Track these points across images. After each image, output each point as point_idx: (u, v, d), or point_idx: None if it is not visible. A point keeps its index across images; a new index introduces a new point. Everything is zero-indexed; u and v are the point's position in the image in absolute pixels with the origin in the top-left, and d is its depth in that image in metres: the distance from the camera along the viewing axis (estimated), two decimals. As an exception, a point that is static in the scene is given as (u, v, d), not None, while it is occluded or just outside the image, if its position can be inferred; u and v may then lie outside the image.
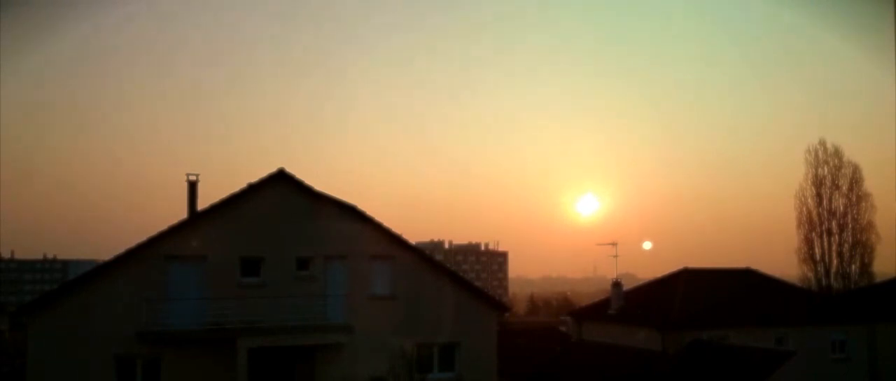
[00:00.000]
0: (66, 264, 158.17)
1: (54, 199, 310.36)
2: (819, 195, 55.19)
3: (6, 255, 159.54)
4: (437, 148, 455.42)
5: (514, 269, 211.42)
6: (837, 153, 55.77)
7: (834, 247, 54.59)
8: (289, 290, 23.42)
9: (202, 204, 24.62)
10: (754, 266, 39.29)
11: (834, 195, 54.96)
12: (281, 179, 24.06)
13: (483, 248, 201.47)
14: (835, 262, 54.45)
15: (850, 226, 54.51)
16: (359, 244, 24.33)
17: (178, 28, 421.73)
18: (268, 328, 22.54)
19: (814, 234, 54.88)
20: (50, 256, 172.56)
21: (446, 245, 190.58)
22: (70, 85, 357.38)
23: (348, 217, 24.34)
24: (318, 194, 24.18)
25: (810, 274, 54.73)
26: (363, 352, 23.26)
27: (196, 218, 24.01)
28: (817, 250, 54.74)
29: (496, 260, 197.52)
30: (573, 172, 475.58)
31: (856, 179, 55.03)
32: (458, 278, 26.92)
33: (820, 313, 35.80)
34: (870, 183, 55.48)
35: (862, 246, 54.32)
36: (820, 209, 54.97)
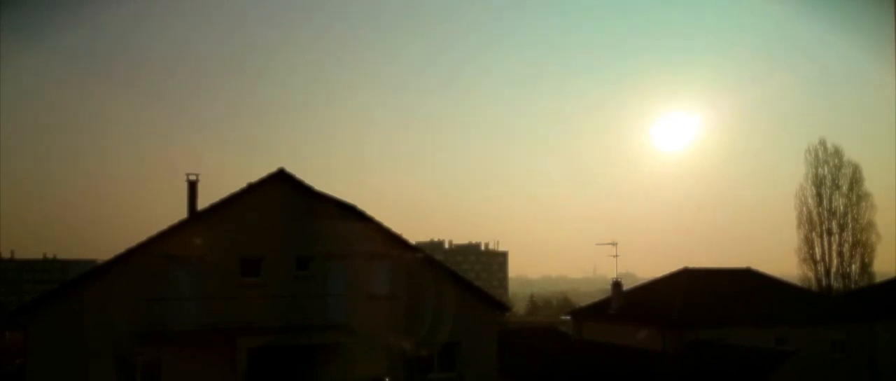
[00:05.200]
0: (65, 264, 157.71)
1: (54, 199, 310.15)
2: (819, 195, 55.20)
3: (6, 255, 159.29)
4: (437, 148, 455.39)
5: (514, 269, 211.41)
6: (837, 153, 55.80)
7: (834, 247, 54.61)
8: (289, 290, 23.41)
9: (202, 204, 24.64)
10: (754, 266, 39.35)
11: (834, 195, 54.97)
12: (281, 179, 24.05)
13: (483, 248, 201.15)
14: (835, 262, 54.45)
15: (850, 226, 54.52)
16: (359, 244, 24.31)
17: (179, 28, 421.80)
18: (268, 328, 22.53)
19: (814, 234, 54.90)
20: (50, 256, 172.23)
21: (446, 245, 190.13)
22: (70, 85, 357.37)
23: (348, 217, 24.32)
24: (318, 193, 24.18)
25: (810, 274, 54.75)
26: (363, 352, 23.23)
27: (196, 218, 23.99)
28: (817, 250, 54.75)
29: (496, 260, 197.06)
30: (574, 172, 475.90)
31: (856, 179, 55.05)
32: (458, 278, 26.90)
33: (820, 313, 35.79)
34: (870, 183, 55.51)
35: (862, 246, 54.33)
36: (820, 209, 54.98)
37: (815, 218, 54.80)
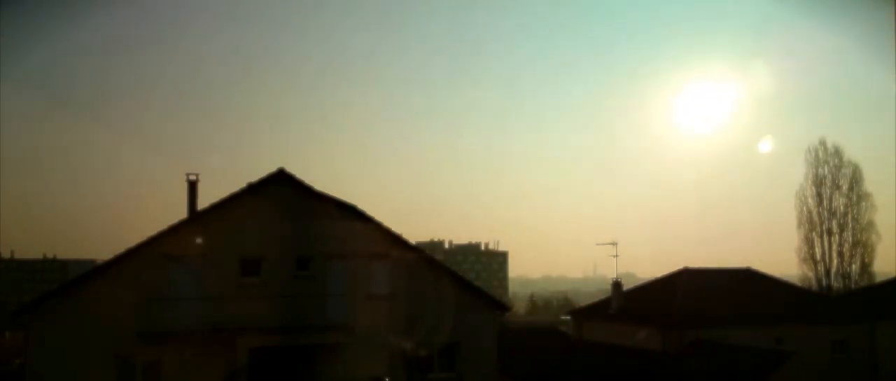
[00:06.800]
0: (65, 264, 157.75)
1: (54, 199, 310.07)
2: (819, 195, 55.13)
3: (6, 255, 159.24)
4: (437, 148, 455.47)
5: (514, 269, 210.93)
6: (837, 153, 55.73)
7: (834, 247, 54.53)
8: (289, 290, 23.41)
9: (202, 204, 24.65)
10: (754, 266, 39.35)
11: (834, 195, 54.90)
12: (281, 179, 24.05)
13: (483, 248, 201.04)
14: (835, 262, 54.38)
15: (850, 226, 54.45)
16: (359, 244, 24.31)
17: (179, 28, 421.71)
18: (268, 328, 22.52)
19: (814, 233, 54.83)
20: (50, 256, 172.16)
21: (446, 245, 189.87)
22: (70, 85, 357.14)
23: (348, 217, 24.32)
24: (318, 193, 24.18)
25: (810, 274, 54.68)
26: (363, 352, 23.24)
27: (196, 218, 24.00)
28: (817, 250, 54.69)
29: (496, 260, 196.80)
30: (574, 172, 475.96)
31: (856, 179, 54.98)
32: (458, 278, 26.91)
33: (820, 313, 35.78)
34: (870, 183, 55.45)
35: (862, 246, 54.26)
36: (820, 209, 54.91)
37: (815, 218, 54.79)
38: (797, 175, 56.30)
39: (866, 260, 54.02)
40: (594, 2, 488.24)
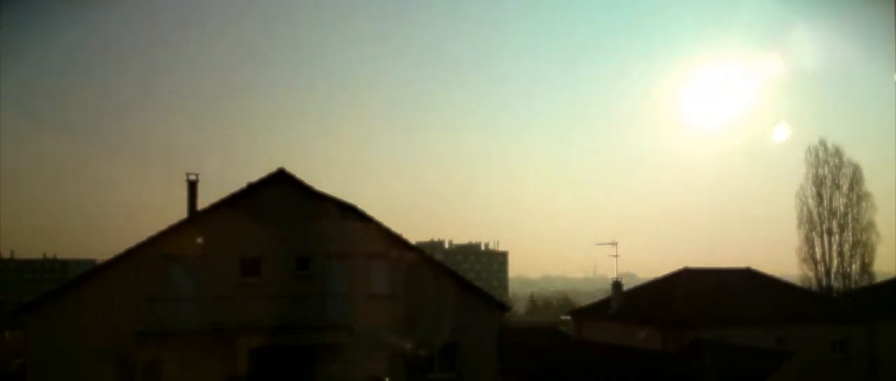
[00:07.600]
0: (65, 264, 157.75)
1: (54, 199, 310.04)
2: (819, 195, 55.09)
3: (6, 255, 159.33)
4: (438, 148, 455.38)
5: (514, 269, 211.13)
6: (837, 153, 55.67)
7: (834, 247, 54.49)
8: (289, 290, 23.42)
9: (202, 204, 24.66)
10: (754, 266, 39.35)
11: (834, 195, 54.86)
12: (281, 179, 24.07)
13: (483, 248, 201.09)
14: (835, 262, 54.35)
15: (850, 226, 54.41)
16: (359, 244, 24.31)
17: (179, 28, 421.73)
18: (268, 328, 22.53)
19: (814, 233, 54.80)
20: (50, 256, 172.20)
21: (446, 245, 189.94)
22: (70, 84, 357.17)
23: (348, 217, 24.34)
24: (318, 193, 24.20)
25: (810, 274, 54.64)
26: (363, 352, 23.24)
27: (196, 218, 24.01)
28: (817, 250, 54.66)
29: (496, 260, 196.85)
30: (574, 172, 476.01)
31: (856, 179, 54.92)
32: (458, 278, 26.92)
33: (820, 313, 35.79)
34: (870, 183, 55.41)
35: (862, 246, 54.21)
36: (820, 209, 54.87)
37: (816, 218, 54.76)
38: (797, 175, 56.27)
39: (866, 260, 54.02)
40: (591, 4, 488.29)
